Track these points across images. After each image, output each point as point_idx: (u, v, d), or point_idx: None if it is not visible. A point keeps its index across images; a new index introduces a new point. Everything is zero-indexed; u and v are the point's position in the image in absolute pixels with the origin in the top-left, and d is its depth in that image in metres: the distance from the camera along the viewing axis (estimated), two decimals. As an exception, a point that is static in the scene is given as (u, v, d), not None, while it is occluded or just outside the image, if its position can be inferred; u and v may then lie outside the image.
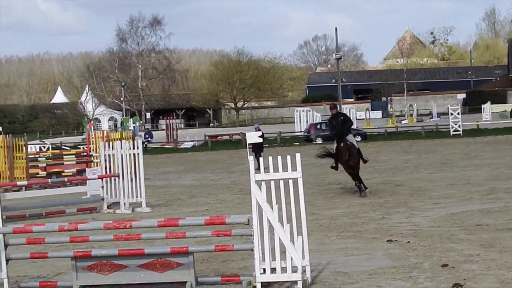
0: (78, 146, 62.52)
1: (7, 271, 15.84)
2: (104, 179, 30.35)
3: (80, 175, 40.54)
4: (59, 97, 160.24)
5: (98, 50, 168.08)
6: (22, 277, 17.06)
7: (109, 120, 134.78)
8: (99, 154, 34.30)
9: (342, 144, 28.94)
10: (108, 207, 29.75)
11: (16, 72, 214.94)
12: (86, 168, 40.59)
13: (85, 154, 48.19)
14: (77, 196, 31.18)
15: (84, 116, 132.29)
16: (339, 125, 29.17)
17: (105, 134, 48.03)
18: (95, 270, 15.78)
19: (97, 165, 37.37)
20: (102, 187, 30.26)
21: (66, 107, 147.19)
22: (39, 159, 47.05)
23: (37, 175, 42.88)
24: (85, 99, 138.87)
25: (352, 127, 32.62)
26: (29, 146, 48.20)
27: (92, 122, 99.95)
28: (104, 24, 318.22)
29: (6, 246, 15.95)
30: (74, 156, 48.60)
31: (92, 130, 58.89)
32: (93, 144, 47.14)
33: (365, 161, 30.27)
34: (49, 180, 35.76)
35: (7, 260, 15.90)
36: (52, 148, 60.69)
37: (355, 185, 29.97)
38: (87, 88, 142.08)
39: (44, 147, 62.69)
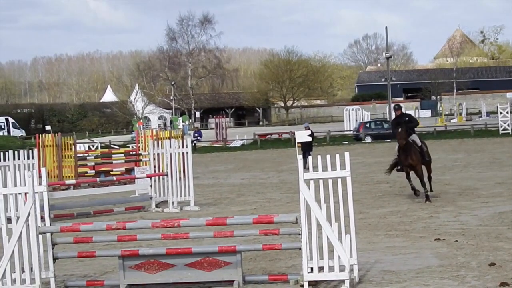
0: (127, 145, 62.83)
1: (54, 270, 15.91)
2: (153, 178, 30.45)
3: (128, 174, 40.70)
4: (109, 96, 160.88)
5: (148, 49, 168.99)
6: (69, 276, 17.15)
7: (159, 118, 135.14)
8: (148, 153, 34.43)
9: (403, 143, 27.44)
10: (156, 206, 29.85)
11: (66, 71, 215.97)
12: (135, 167, 40.70)
13: (134, 153, 48.32)
14: (126, 195, 31.32)
15: (134, 115, 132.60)
16: (402, 124, 27.57)
17: (154, 132, 48.15)
18: (142, 269, 15.83)
19: (145, 164, 37.46)
20: (151, 186, 30.35)
21: (115, 105, 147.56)
22: (87, 157, 47.24)
23: (86, 174, 43.06)
24: (135, 98, 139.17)
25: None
26: (78, 145, 48.46)
27: (141, 120, 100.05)
28: (154, 23, 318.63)
29: (53, 245, 16.03)
30: (123, 155, 48.75)
31: (142, 129, 58.92)
32: (142, 143, 47.25)
33: (426, 161, 28.54)
34: (98, 179, 35.90)
35: (54, 259, 15.98)
36: (101, 147, 61.05)
37: (424, 192, 27.58)
38: (136, 87, 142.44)
39: (93, 146, 63.09)
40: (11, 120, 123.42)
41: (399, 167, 28.46)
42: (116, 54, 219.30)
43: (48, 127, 67.05)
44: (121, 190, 31.71)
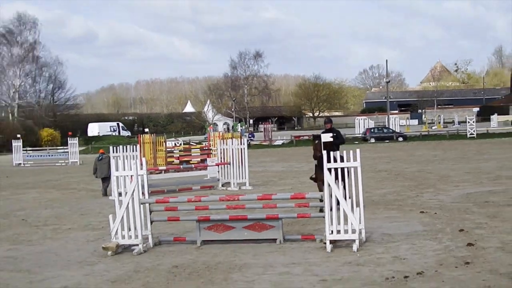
0: (201, 143, 62.95)
1: (151, 229, 16.08)
2: (220, 166, 30.59)
3: (202, 162, 40.84)
4: (188, 108, 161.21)
5: (216, 75, 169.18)
6: (161, 234, 17.30)
7: (223, 124, 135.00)
8: (216, 148, 34.57)
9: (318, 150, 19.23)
10: (222, 186, 29.98)
11: (159, 90, 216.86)
12: (207, 158, 40.90)
13: (206, 148, 48.50)
14: (200, 178, 31.37)
15: (206, 121, 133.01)
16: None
17: (220, 134, 48.30)
18: (212, 230, 15.95)
19: (214, 156, 37.63)
20: (218, 171, 30.50)
21: (193, 115, 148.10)
22: (174, 151, 47.51)
23: (173, 163, 43.28)
24: (207, 109, 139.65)
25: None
26: (167, 142, 48.68)
27: (211, 125, 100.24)
28: (221, 57, 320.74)
29: (150, 211, 16.23)
30: (198, 149, 48.98)
31: (212, 132, 59.08)
32: (212, 141, 47.43)
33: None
34: (181, 166, 36.09)
35: (151, 222, 16.17)
36: (183, 144, 61.18)
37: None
38: (208, 102, 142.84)
39: (177, 143, 63.23)
40: (121, 124, 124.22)
41: (314, 176, 20.64)
42: (194, 78, 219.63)
43: (146, 130, 67.40)
44: (197, 174, 31.89)
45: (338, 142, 20.39)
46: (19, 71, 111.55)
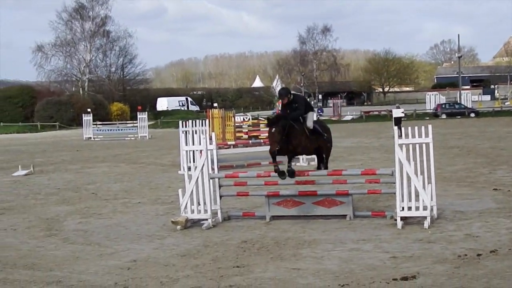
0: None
1: (220, 204, 16.14)
2: (288, 141, 30.51)
3: (271, 138, 40.79)
4: (257, 83, 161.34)
5: (285, 50, 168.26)
6: (231, 209, 17.37)
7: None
8: (285, 123, 34.44)
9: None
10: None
11: (228, 65, 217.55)
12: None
13: (275, 123, 48.40)
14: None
15: (274, 96, 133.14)
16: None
17: (289, 109, 48.14)
18: (281, 205, 15.95)
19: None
20: (287, 146, 30.42)
21: (261, 90, 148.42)
22: (242, 126, 47.56)
23: (241, 138, 43.34)
24: (275, 84, 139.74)
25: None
26: (236, 117, 48.78)
27: (280, 101, 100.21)
28: (290, 31, 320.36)
29: (220, 186, 16.30)
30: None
31: (280, 107, 59.04)
32: (281, 116, 47.31)
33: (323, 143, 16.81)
34: (250, 141, 36.11)
35: (220, 197, 16.24)
36: (252, 119, 61.18)
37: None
38: (277, 77, 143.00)
39: (246, 118, 63.28)
40: (189, 99, 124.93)
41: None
42: (263, 53, 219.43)
43: (215, 105, 67.71)
44: (266, 149, 31.76)
45: (296, 114, 15.48)
46: (90, 45, 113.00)
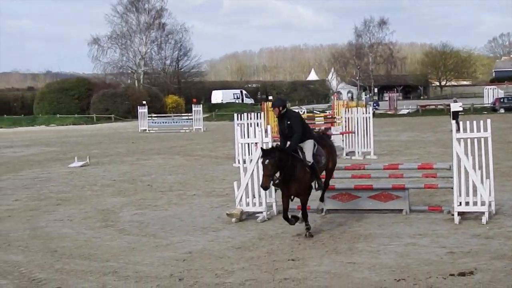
0: (325, 111, 62.66)
1: (275, 197, 16.14)
2: (344, 135, 30.48)
3: (326, 131, 40.70)
4: (312, 76, 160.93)
5: (341, 43, 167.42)
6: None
7: (348, 93, 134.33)
8: (341, 117, 34.39)
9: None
10: (346, 154, 29.89)
11: (282, 58, 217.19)
12: (331, 127, 40.70)
13: (330, 116, 48.30)
14: (324, 146, 31.37)
15: (330, 90, 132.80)
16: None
17: (345, 103, 48.06)
18: (337, 199, 15.93)
19: (338, 125, 37.45)
20: (343, 140, 30.42)
21: (317, 83, 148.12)
22: (297, 119, 47.54)
23: (296, 131, 43.27)
24: (331, 77, 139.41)
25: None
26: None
27: (335, 94, 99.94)
28: (345, 24, 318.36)
29: (275, 179, 16.28)
30: (322, 118, 48.83)
31: (336, 100, 58.81)
32: (336, 109, 47.23)
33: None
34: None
35: (275, 189, 16.21)
36: (307, 112, 61.07)
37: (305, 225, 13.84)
38: (332, 70, 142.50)
39: (301, 111, 63.18)
40: (244, 92, 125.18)
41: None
42: (318, 47, 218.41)
43: (270, 97, 67.67)
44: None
45: (292, 145, 13.50)
46: (145, 38, 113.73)
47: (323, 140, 14.65)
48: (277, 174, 13.01)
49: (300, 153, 13.47)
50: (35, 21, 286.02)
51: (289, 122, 13.59)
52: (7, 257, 12.93)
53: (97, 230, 15.26)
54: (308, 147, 13.67)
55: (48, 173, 27.93)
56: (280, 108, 13.74)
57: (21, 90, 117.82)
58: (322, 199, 14.77)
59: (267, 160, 12.91)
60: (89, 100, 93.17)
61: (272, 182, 13.04)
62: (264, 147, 13.81)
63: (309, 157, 13.57)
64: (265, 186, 13.09)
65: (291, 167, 13.19)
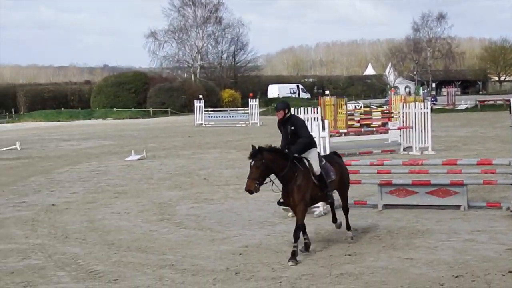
0: (382, 106, 62.36)
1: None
2: (401, 130, 30.29)
3: (383, 126, 40.55)
4: (369, 71, 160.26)
5: (398, 37, 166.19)
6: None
7: (405, 88, 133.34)
8: (398, 112, 34.23)
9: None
10: (403, 150, 29.71)
11: (339, 52, 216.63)
12: (388, 122, 40.55)
13: (387, 111, 48.12)
14: (381, 142, 31.25)
15: (387, 84, 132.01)
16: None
17: (402, 98, 47.81)
18: (394, 194, 15.88)
19: (396, 120, 37.28)
20: (400, 135, 30.24)
21: (374, 78, 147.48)
22: (354, 114, 47.45)
23: (353, 126, 43.20)
24: (388, 72, 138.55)
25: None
26: (347, 105, 48.67)
27: (393, 89, 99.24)
28: (402, 19, 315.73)
29: (332, 174, 16.26)
30: (379, 113, 48.69)
31: (393, 95, 58.47)
32: (393, 104, 47.02)
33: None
34: (362, 129, 36.05)
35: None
36: (364, 107, 60.83)
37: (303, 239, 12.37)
38: (390, 65, 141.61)
39: (358, 106, 62.94)
40: (300, 86, 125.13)
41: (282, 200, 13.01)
42: (375, 41, 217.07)
43: (327, 92, 67.45)
44: (378, 138, 31.85)
45: (297, 146, 12.60)
46: (202, 32, 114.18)
47: (331, 158, 13.22)
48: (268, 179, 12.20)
49: (306, 162, 12.34)
50: (92, 15, 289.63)
51: (292, 128, 12.62)
52: (65, 249, 13.13)
53: (154, 223, 15.41)
54: (313, 156, 12.49)
55: (105, 166, 28.24)
56: (286, 111, 12.84)
57: (78, 84, 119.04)
58: (348, 227, 13.04)
59: (252, 162, 12.18)
60: (146, 94, 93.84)
61: (257, 186, 12.05)
62: (252, 147, 12.59)
63: (316, 167, 12.36)
64: (248, 190, 12.02)
65: (290, 174, 12.20)
